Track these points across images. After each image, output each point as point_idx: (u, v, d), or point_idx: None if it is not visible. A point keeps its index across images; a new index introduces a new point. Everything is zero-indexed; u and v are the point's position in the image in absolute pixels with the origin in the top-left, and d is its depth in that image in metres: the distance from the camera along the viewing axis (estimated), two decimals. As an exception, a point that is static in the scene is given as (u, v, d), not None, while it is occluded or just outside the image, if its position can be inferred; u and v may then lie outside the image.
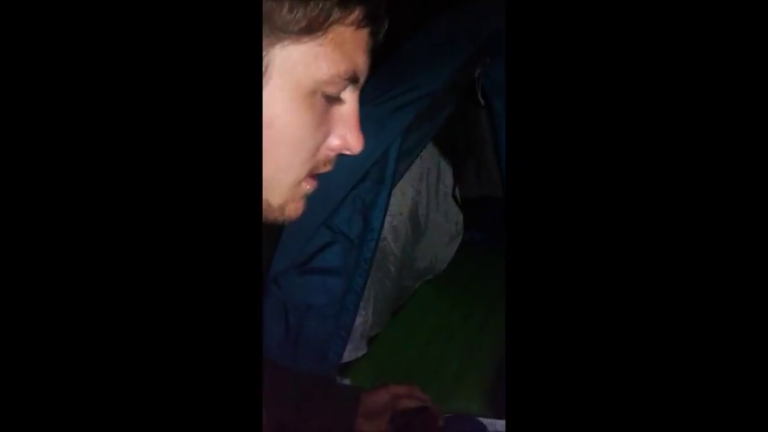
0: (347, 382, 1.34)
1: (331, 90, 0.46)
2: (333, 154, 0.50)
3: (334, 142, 0.50)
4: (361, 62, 0.47)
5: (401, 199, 1.71)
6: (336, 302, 1.22)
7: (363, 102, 1.26)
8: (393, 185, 1.24)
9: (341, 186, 1.20)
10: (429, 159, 1.87)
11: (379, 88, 1.23)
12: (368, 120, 1.23)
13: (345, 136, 0.49)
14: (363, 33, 0.46)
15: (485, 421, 1.13)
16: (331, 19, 0.43)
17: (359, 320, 1.45)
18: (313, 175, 0.51)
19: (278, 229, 1.19)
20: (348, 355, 1.40)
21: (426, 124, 1.29)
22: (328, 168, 0.52)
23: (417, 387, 0.86)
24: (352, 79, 0.47)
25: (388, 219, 1.67)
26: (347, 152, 0.50)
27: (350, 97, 0.46)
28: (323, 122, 0.48)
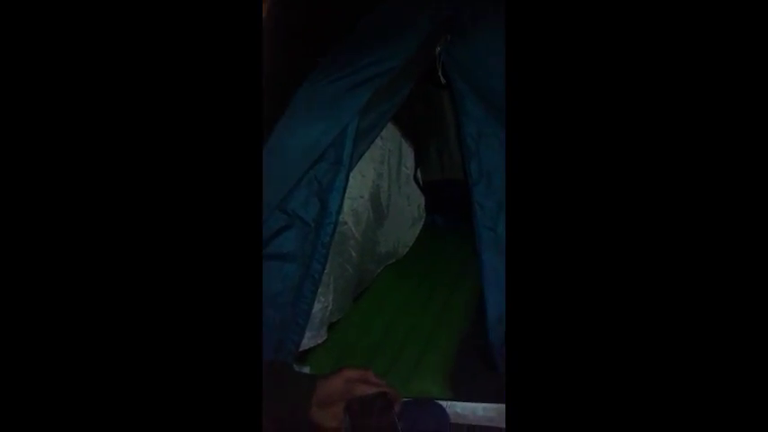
0: (306, 369, 1.31)
1: None
2: None
3: None
4: None
5: (361, 181, 1.67)
6: (293, 289, 1.18)
7: (318, 79, 1.21)
8: (351, 167, 1.20)
9: (296, 168, 1.15)
10: (391, 141, 1.83)
11: (334, 65, 1.18)
12: (323, 98, 1.19)
13: None
14: None
15: (445, 404, 1.13)
16: None
17: (318, 307, 1.41)
18: None
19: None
20: (307, 343, 1.37)
21: (385, 103, 1.25)
22: None
23: (371, 372, 0.84)
24: None
25: (348, 202, 1.64)
26: None
27: None
28: None
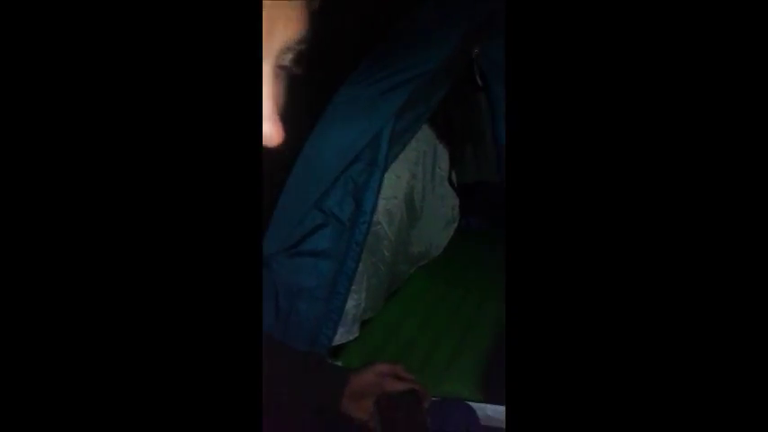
0: (339, 364, 1.34)
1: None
2: None
3: None
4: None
5: (396, 182, 1.69)
6: (327, 285, 1.21)
7: (355, 83, 1.24)
8: (386, 168, 1.22)
9: (332, 168, 1.18)
10: (425, 142, 1.84)
11: (371, 69, 1.20)
12: (359, 101, 1.22)
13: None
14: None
15: (476, 405, 1.13)
16: None
17: (351, 304, 1.44)
18: None
19: (269, 210, 1.18)
20: (339, 338, 1.40)
21: (420, 106, 1.26)
22: None
23: (401, 366, 0.85)
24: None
25: (382, 202, 1.66)
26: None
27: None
28: None
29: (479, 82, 1.29)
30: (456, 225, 2.08)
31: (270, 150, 0.43)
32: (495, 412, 1.20)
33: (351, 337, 1.47)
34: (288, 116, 0.45)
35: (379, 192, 1.21)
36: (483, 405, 1.19)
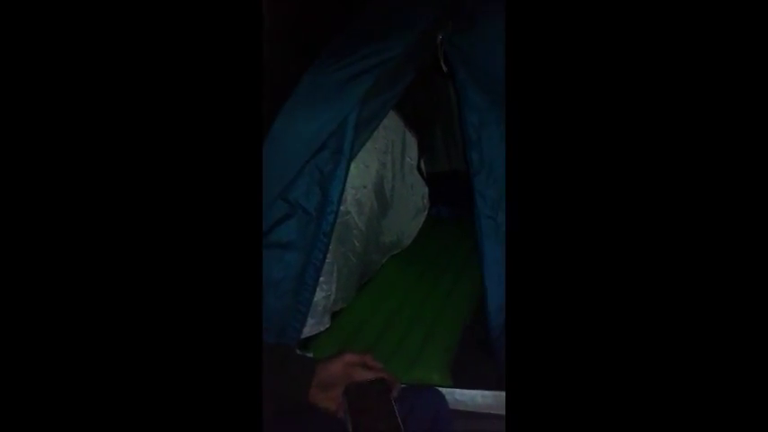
0: (309, 355, 1.33)
1: None
2: None
3: None
4: None
5: (365, 171, 1.68)
6: (295, 277, 1.19)
7: (318, 70, 1.21)
8: (353, 156, 1.21)
9: (297, 157, 1.15)
10: (394, 131, 1.83)
11: (336, 55, 1.18)
12: (325, 87, 1.19)
13: None
14: None
15: (446, 391, 1.14)
16: None
17: (321, 295, 1.43)
18: None
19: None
20: (310, 330, 1.38)
21: (386, 92, 1.25)
22: None
23: (370, 355, 0.85)
24: None
25: (351, 192, 1.65)
26: None
27: None
28: None
29: (444, 68, 1.29)
30: (426, 213, 2.09)
31: None
32: (463, 396, 1.22)
33: (321, 329, 1.46)
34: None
35: (345, 181, 1.19)
36: (452, 390, 1.21)
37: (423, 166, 2.04)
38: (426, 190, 2.07)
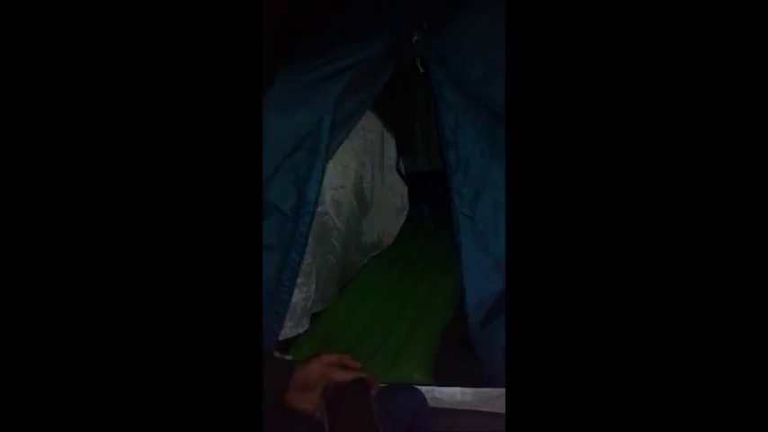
0: (288, 358, 1.32)
1: None
2: None
3: None
4: None
5: (343, 171, 1.67)
6: (272, 279, 1.18)
7: (295, 69, 1.20)
8: (329, 156, 1.20)
9: (272, 158, 1.14)
10: (372, 131, 1.83)
11: (310, 55, 1.17)
12: (300, 88, 1.18)
13: None
14: None
15: (426, 389, 1.14)
16: None
17: (300, 296, 1.42)
18: None
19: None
20: (288, 332, 1.37)
21: (362, 92, 1.25)
22: None
23: (348, 356, 0.85)
24: None
25: (329, 192, 1.64)
26: None
27: None
28: None
29: (420, 69, 1.29)
30: (406, 213, 2.09)
31: None
32: (442, 394, 1.23)
33: (300, 330, 1.45)
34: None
35: (321, 181, 1.18)
36: (431, 388, 1.22)
37: (402, 165, 2.05)
38: (406, 190, 2.08)
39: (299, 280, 1.28)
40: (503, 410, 1.17)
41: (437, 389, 1.23)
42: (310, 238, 1.25)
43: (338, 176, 1.62)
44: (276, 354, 1.20)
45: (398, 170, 2.03)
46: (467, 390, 1.21)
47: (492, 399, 1.19)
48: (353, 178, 1.74)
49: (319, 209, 1.42)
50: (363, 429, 0.73)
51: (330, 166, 1.25)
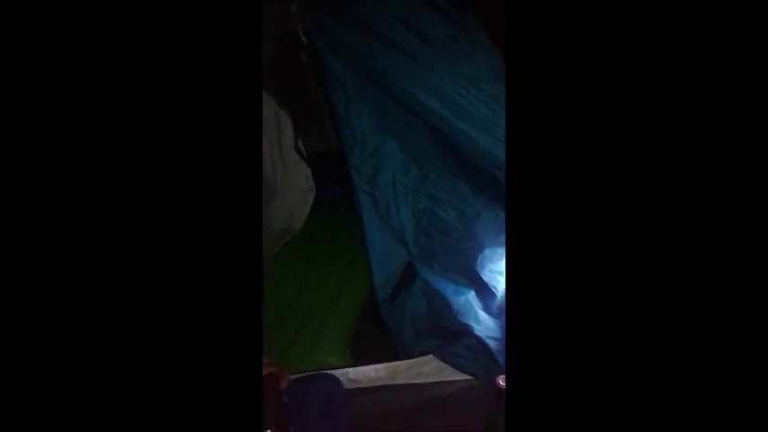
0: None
1: None
2: None
3: None
4: None
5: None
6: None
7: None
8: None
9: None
10: (266, 110, 1.73)
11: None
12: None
13: None
14: None
15: (339, 372, 1.13)
16: None
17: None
18: None
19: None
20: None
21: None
22: None
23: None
24: None
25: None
26: None
27: None
28: None
29: (304, 40, 1.22)
30: (314, 195, 2.03)
31: None
32: (356, 374, 1.23)
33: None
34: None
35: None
36: (344, 370, 1.21)
37: (301, 145, 1.97)
38: (310, 171, 2.01)
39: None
40: (414, 381, 1.20)
41: (351, 370, 1.22)
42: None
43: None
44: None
45: (298, 150, 1.95)
46: (379, 366, 1.22)
47: (402, 371, 1.21)
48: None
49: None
50: (274, 423, 0.73)
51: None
